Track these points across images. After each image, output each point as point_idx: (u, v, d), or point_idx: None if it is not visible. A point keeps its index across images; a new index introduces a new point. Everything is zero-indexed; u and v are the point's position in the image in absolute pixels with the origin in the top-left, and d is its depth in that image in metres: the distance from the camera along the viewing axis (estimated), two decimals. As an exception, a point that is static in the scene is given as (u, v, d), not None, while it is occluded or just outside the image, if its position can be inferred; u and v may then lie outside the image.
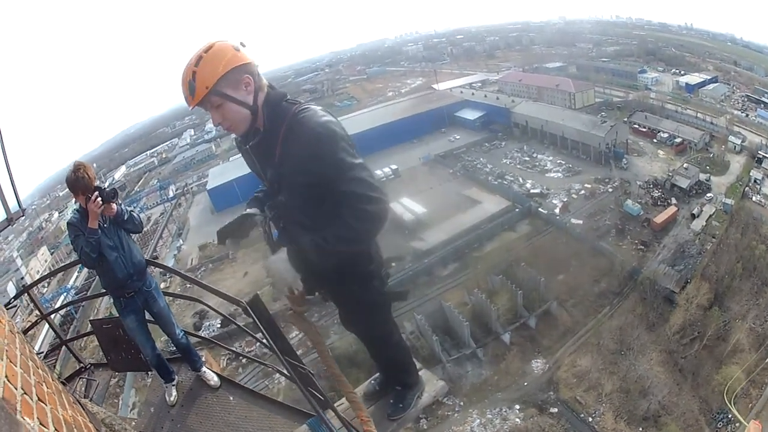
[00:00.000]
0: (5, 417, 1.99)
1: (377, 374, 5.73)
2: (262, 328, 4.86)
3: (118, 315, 6.86)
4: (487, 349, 51.73)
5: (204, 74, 3.36)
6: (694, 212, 67.02)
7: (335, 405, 5.23)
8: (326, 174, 3.61)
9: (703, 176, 73.67)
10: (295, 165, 3.68)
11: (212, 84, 3.38)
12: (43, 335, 46.58)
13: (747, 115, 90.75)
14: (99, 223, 6.00)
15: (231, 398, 7.12)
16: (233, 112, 3.58)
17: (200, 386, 7.25)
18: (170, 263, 72.43)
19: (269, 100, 3.71)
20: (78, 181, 5.82)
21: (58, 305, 52.37)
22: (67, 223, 6.19)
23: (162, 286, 7.11)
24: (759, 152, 77.14)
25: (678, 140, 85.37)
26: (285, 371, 5.27)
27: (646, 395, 44.10)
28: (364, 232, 3.79)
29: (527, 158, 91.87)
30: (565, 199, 75.38)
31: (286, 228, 4.14)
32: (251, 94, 3.60)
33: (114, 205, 6.07)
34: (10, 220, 4.89)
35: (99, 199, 5.84)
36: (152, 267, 7.06)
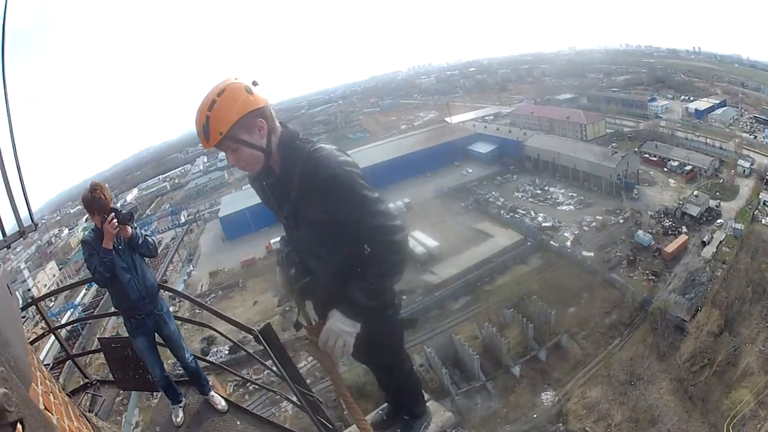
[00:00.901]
0: (40, 419, 2.12)
1: (385, 404, 5.75)
2: (273, 355, 5.13)
3: (127, 335, 6.95)
4: (497, 382, 51.54)
5: (218, 120, 3.41)
6: (704, 239, 66.76)
7: None
8: (348, 211, 3.67)
9: (713, 203, 73.52)
10: (314, 204, 3.71)
11: (226, 130, 3.43)
12: (47, 348, 46.77)
13: (755, 137, 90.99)
14: (114, 244, 6.08)
15: (238, 423, 7.06)
16: (247, 155, 3.64)
17: (207, 410, 7.26)
18: (180, 288, 72.57)
19: (283, 140, 3.74)
20: (95, 201, 5.90)
21: (64, 320, 53.71)
22: (82, 241, 6.32)
23: (171, 309, 7.12)
24: (767, 174, 76.97)
25: (688, 168, 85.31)
26: (295, 399, 5.58)
27: (656, 424, 43.85)
28: (399, 262, 3.89)
29: (539, 191, 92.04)
30: (577, 232, 75.46)
31: (303, 261, 4.17)
32: (264, 137, 3.64)
33: (129, 228, 6.15)
34: (22, 233, 4.89)
35: (115, 220, 5.91)
36: (163, 291, 7.12)
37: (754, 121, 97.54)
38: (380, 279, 3.89)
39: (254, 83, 3.56)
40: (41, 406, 2.63)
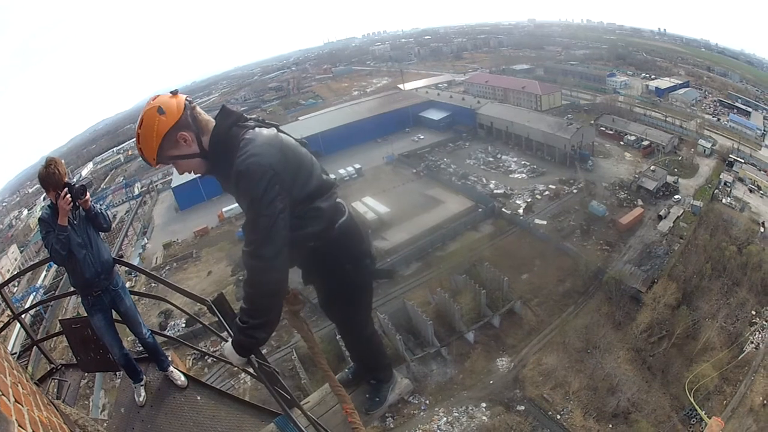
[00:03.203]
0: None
1: (352, 364, 5.84)
2: (227, 326, 4.79)
3: (86, 315, 6.71)
4: (452, 348, 51.31)
5: (145, 149, 3.63)
6: (661, 213, 67.35)
7: (301, 403, 5.16)
8: (247, 210, 3.70)
9: (670, 179, 74.38)
10: (233, 191, 3.83)
11: (155, 154, 3.63)
12: (15, 336, 46.20)
13: (718, 120, 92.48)
14: (69, 219, 5.86)
15: (198, 398, 7.01)
16: (185, 165, 3.81)
17: (168, 386, 7.15)
18: (135, 262, 71.83)
19: (216, 135, 3.80)
20: (49, 176, 5.67)
21: (28, 305, 52.65)
22: (39, 219, 6.14)
23: (128, 285, 7.06)
24: (730, 156, 78.24)
25: (646, 143, 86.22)
26: (251, 370, 5.02)
27: (615, 393, 43.99)
28: (257, 296, 3.85)
29: (491, 159, 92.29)
30: (529, 200, 75.47)
31: None
32: (193, 143, 3.71)
33: (88, 201, 5.96)
34: None
35: (68, 196, 5.68)
36: (119, 265, 6.82)
37: (718, 104, 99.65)
38: (244, 315, 3.93)
39: (173, 93, 3.74)
40: (11, 399, 2.61)
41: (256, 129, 3.86)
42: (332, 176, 4.44)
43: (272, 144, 3.78)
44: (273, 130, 3.99)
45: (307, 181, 4.03)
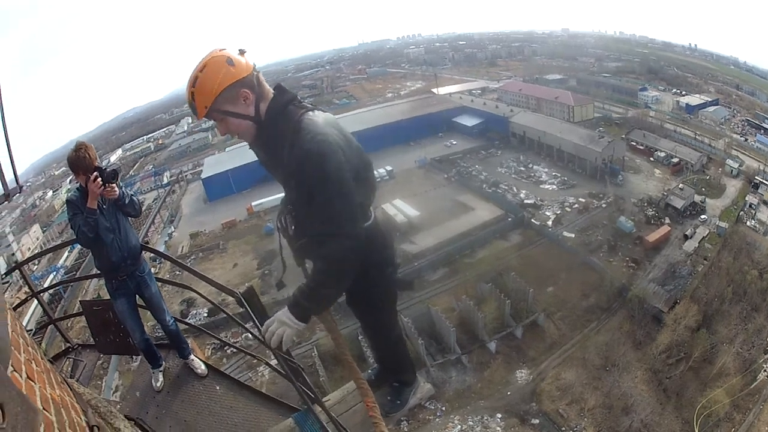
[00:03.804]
0: (20, 401, 1.89)
1: (376, 366, 5.88)
2: (255, 319, 4.89)
3: (108, 297, 6.81)
4: (472, 356, 51.61)
5: (201, 95, 3.53)
6: (687, 233, 66.92)
7: (323, 400, 5.24)
8: (312, 190, 3.71)
9: (698, 198, 73.73)
10: (295, 173, 3.78)
11: (210, 104, 3.56)
12: (31, 313, 46.75)
13: (746, 140, 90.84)
14: (98, 203, 6.00)
15: (218, 387, 7.11)
16: (235, 125, 3.76)
17: (187, 374, 7.25)
18: (161, 249, 70.50)
19: (274, 106, 3.81)
20: (79, 160, 5.83)
21: (47, 284, 53.40)
22: (66, 201, 6.20)
23: (151, 271, 6.66)
24: (756, 177, 77.44)
25: (675, 160, 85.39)
26: (275, 364, 5.50)
27: (629, 413, 43.96)
28: (336, 271, 3.93)
29: (523, 168, 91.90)
30: (558, 212, 75.49)
31: (300, 222, 4.22)
32: (251, 105, 3.71)
33: (116, 188, 6.05)
34: (6, 196, 4.73)
35: (99, 179, 5.82)
36: (146, 252, 6.95)
37: (746, 123, 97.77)
38: (316, 284, 3.98)
39: (241, 51, 3.67)
40: (23, 376, 2.55)
41: (316, 111, 3.93)
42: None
43: (336, 127, 3.94)
44: (332, 115, 4.11)
45: (365, 173, 4.17)
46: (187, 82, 3.56)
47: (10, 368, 2.38)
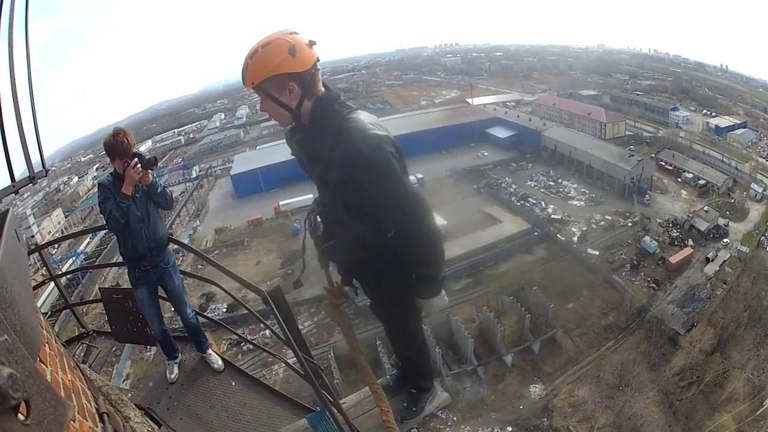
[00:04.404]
0: (49, 396, 1.87)
1: (395, 371, 6.02)
2: (280, 319, 5.00)
3: (129, 286, 6.96)
4: (488, 368, 52.40)
5: (254, 70, 3.55)
6: (709, 256, 66.90)
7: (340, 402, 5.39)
8: (366, 188, 3.71)
9: (722, 221, 73.51)
10: (339, 171, 3.73)
11: (257, 82, 3.57)
12: (46, 296, 46.20)
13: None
14: (131, 191, 6.05)
15: (233, 383, 7.19)
16: (273, 109, 3.74)
17: (203, 368, 7.36)
18: (185, 242, 72.57)
19: (319, 104, 3.76)
20: (117, 145, 5.92)
21: (65, 268, 54.49)
22: (98, 183, 6.28)
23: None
24: (779, 202, 76.49)
25: (702, 182, 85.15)
26: (293, 363, 5.73)
27: None
28: (432, 244, 4.04)
29: (552, 183, 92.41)
30: (585, 229, 75.99)
31: (330, 223, 4.22)
32: (295, 99, 3.67)
33: (150, 175, 6.17)
34: (32, 179, 4.76)
35: (138, 165, 5.93)
36: (172, 244, 7.04)
37: None
38: (427, 267, 4.14)
39: (310, 42, 3.64)
40: (36, 358, 2.46)
41: (362, 112, 3.84)
42: None
43: (382, 126, 3.78)
44: (375, 117, 3.97)
45: (407, 175, 3.91)
46: (251, 48, 3.60)
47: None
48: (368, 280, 4.62)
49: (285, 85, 3.60)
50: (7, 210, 2.66)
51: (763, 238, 70.78)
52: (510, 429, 46.77)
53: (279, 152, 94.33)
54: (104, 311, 8.20)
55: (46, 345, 2.83)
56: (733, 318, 54.72)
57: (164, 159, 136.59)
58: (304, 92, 3.68)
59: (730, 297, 58.81)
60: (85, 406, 3.04)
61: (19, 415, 1.48)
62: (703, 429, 44.71)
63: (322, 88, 3.80)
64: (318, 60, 3.69)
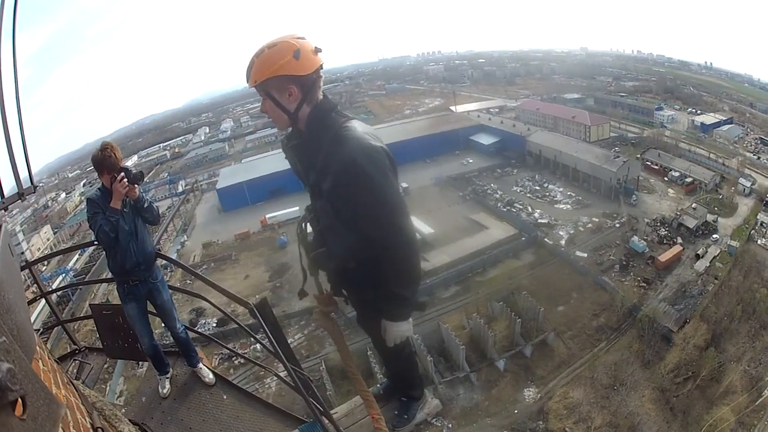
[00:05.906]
0: (43, 394, 1.96)
1: (385, 380, 6.01)
2: (268, 331, 5.02)
3: (118, 302, 6.92)
4: (481, 374, 51.86)
5: (258, 68, 3.63)
6: (698, 252, 66.94)
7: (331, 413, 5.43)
8: (359, 199, 3.71)
9: (710, 217, 73.70)
10: (332, 180, 3.76)
11: (260, 80, 3.64)
12: (37, 313, 46.28)
13: (759, 158, 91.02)
14: (120, 205, 6.05)
15: (225, 397, 7.18)
16: (272, 110, 3.81)
17: (195, 382, 7.34)
18: (172, 257, 72.48)
19: (317, 110, 3.83)
20: (105, 159, 5.92)
21: (55, 285, 53.37)
22: (87, 199, 6.26)
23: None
24: (767, 196, 77.44)
25: (689, 180, 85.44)
26: (284, 376, 5.59)
27: (635, 431, 44.05)
28: (408, 271, 3.99)
29: (538, 188, 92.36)
30: (572, 232, 75.83)
31: (321, 231, 4.20)
32: (295, 102, 3.75)
33: (137, 189, 6.18)
34: (21, 195, 4.81)
35: (125, 179, 5.93)
36: (160, 259, 6.95)
37: (759, 141, 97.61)
38: (401, 286, 4.02)
39: (316, 50, 3.69)
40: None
41: (358, 121, 3.92)
42: None
43: (378, 137, 3.85)
44: (370, 126, 4.06)
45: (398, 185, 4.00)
46: (259, 48, 3.66)
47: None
48: (353, 292, 4.64)
49: (286, 87, 3.70)
50: (0, 225, 2.64)
51: (753, 231, 71.06)
52: (506, 433, 46.35)
53: (264, 165, 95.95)
54: (95, 327, 8.28)
55: (39, 360, 2.85)
56: (726, 312, 54.80)
57: (150, 174, 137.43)
58: (304, 97, 3.78)
59: (722, 292, 58.89)
60: (79, 421, 3.08)
61: (16, 411, 1.57)
62: (701, 423, 44.42)
63: (321, 96, 3.88)
64: (321, 67, 3.79)
